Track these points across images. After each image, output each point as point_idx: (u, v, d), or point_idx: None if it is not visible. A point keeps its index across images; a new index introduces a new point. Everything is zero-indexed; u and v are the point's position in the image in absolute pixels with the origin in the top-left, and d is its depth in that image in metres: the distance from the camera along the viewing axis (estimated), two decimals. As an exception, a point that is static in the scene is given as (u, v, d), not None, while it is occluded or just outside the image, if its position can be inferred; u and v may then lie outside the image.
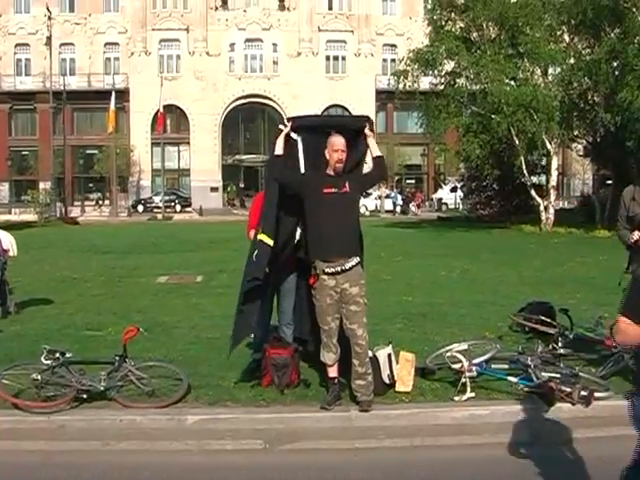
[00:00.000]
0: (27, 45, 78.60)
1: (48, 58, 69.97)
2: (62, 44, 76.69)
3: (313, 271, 8.44)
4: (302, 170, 8.74)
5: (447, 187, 70.71)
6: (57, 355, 8.86)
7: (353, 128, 8.94)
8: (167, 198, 72.86)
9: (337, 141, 8.39)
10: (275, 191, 8.82)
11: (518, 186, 44.95)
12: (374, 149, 8.81)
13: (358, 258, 8.47)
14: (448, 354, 9.26)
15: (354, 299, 8.39)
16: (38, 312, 15.09)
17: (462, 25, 41.26)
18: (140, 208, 73.80)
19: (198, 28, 78.64)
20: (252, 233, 9.59)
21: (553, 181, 42.27)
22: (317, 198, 8.35)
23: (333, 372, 8.64)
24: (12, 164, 77.94)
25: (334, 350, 8.53)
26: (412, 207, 70.02)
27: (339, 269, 8.31)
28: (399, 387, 9.04)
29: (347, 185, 8.37)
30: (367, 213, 59.89)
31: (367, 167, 9.03)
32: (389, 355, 9.17)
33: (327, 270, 8.32)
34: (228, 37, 79.41)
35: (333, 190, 8.31)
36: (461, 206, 61.28)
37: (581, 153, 51.37)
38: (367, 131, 8.77)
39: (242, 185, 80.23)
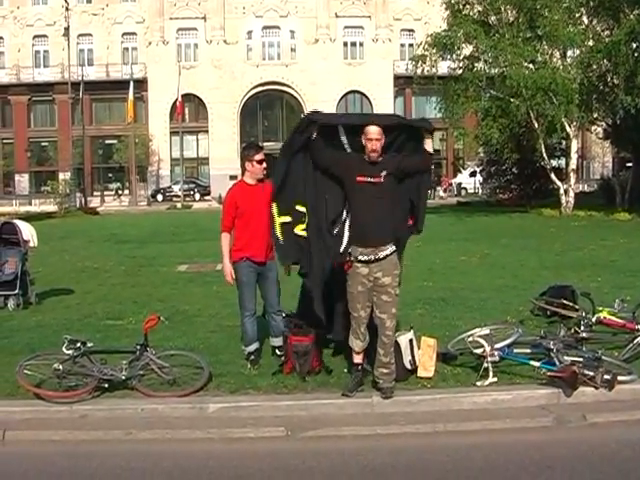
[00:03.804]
0: (45, 36, 78.81)
1: (66, 49, 70.08)
2: (80, 35, 76.78)
3: (348, 257, 8.40)
4: (348, 150, 8.67)
5: (466, 172, 70.41)
6: (78, 345, 8.91)
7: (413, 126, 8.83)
8: (186, 187, 73.03)
9: (371, 129, 8.27)
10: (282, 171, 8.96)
11: (538, 170, 44.70)
12: (426, 145, 8.70)
13: (394, 247, 8.40)
14: (470, 339, 9.22)
15: (386, 289, 8.34)
16: (59, 302, 15.18)
17: (480, 9, 40.90)
18: (159, 197, 73.94)
19: (215, 16, 78.55)
20: (226, 236, 9.69)
21: (573, 164, 42.01)
22: (351, 185, 8.34)
23: (358, 358, 8.63)
24: (32, 155, 78.34)
25: (362, 338, 8.50)
26: (440, 191, 69.91)
27: (372, 257, 8.27)
28: (421, 372, 9.02)
29: (382, 175, 8.24)
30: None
31: None
32: (411, 341, 9.16)
33: (361, 258, 8.30)
34: (245, 25, 79.27)
35: (366, 179, 8.24)
36: (480, 190, 60.95)
37: (601, 136, 51.00)
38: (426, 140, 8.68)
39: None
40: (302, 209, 8.86)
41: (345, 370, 9.17)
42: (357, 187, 8.27)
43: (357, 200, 8.31)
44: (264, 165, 9.63)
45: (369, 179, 8.23)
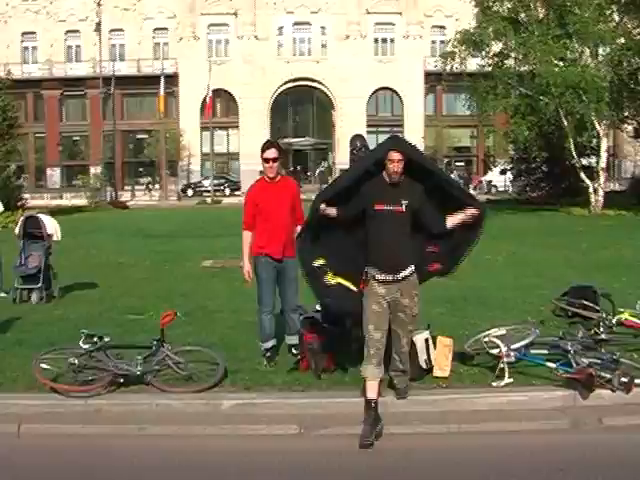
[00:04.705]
0: (77, 31, 79.00)
1: (98, 44, 70.44)
2: (111, 30, 76.98)
3: (364, 276, 8.07)
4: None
5: (497, 169, 70.00)
6: (95, 339, 8.96)
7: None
8: (216, 182, 72.99)
9: (393, 152, 7.90)
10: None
11: (567, 168, 44.37)
12: (455, 219, 8.32)
13: (413, 267, 8.05)
14: (486, 339, 9.18)
15: (404, 309, 8.06)
16: (82, 296, 15.27)
17: (510, 5, 40.57)
18: (190, 192, 74.04)
19: (246, 12, 78.47)
20: (247, 234, 9.73)
21: (603, 163, 41.55)
22: (370, 214, 8.00)
23: (372, 392, 7.87)
24: (63, 149, 78.71)
25: (375, 363, 7.88)
26: (470, 189, 69.82)
27: (390, 278, 7.93)
28: (436, 372, 8.99)
29: (403, 203, 7.90)
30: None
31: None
32: (426, 340, 9.12)
33: (378, 277, 7.97)
34: (276, 21, 79.16)
35: (385, 207, 7.90)
36: (510, 188, 60.66)
37: (632, 134, 50.54)
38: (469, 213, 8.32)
39: (291, 168, 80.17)
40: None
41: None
42: (376, 215, 7.96)
43: (376, 227, 7.99)
44: (270, 164, 9.58)
45: (389, 207, 7.92)
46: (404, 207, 7.93)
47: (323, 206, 8.22)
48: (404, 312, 8.07)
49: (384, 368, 8.08)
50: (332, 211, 8.21)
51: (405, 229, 8.00)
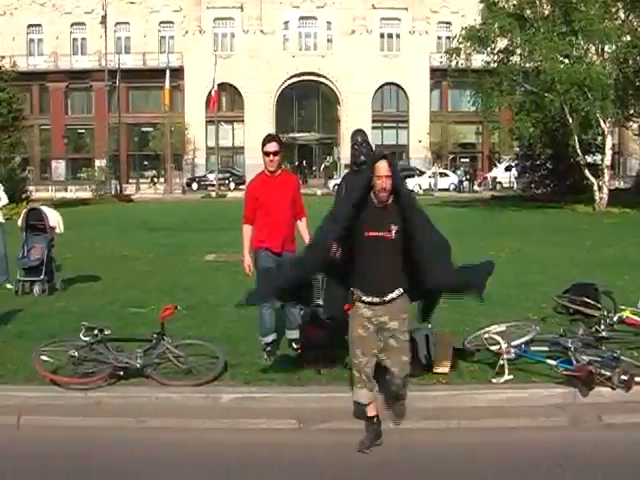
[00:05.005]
0: (83, 24, 79.09)
1: (103, 37, 70.50)
2: (117, 23, 77.13)
3: (350, 297, 7.62)
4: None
5: (502, 166, 70.02)
6: (95, 332, 8.97)
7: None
8: (221, 176, 73.11)
9: (380, 165, 7.32)
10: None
11: (572, 165, 44.33)
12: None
13: (401, 289, 7.53)
14: (486, 336, 9.19)
15: (393, 334, 7.54)
16: (85, 289, 15.30)
17: (515, 2, 40.52)
18: (195, 186, 74.24)
19: (252, 6, 78.44)
20: (247, 228, 9.78)
21: (607, 160, 41.48)
22: (359, 239, 7.45)
23: (371, 411, 7.64)
24: (68, 142, 78.77)
25: (367, 386, 7.56)
26: (475, 185, 69.92)
27: (377, 300, 7.45)
28: (436, 368, 8.97)
29: (393, 229, 7.36)
30: (420, 192, 59.27)
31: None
32: (427, 336, 9.10)
33: (364, 299, 7.50)
34: (282, 15, 79.20)
35: (374, 234, 7.36)
36: (515, 185, 60.67)
37: (637, 132, 50.45)
38: None
39: (296, 163, 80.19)
40: None
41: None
42: (365, 242, 7.41)
43: (364, 254, 7.48)
44: (271, 158, 9.59)
45: (379, 233, 7.38)
46: (393, 233, 7.41)
47: (335, 247, 7.47)
48: (393, 337, 7.54)
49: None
50: (336, 255, 7.53)
51: (395, 256, 7.49)
